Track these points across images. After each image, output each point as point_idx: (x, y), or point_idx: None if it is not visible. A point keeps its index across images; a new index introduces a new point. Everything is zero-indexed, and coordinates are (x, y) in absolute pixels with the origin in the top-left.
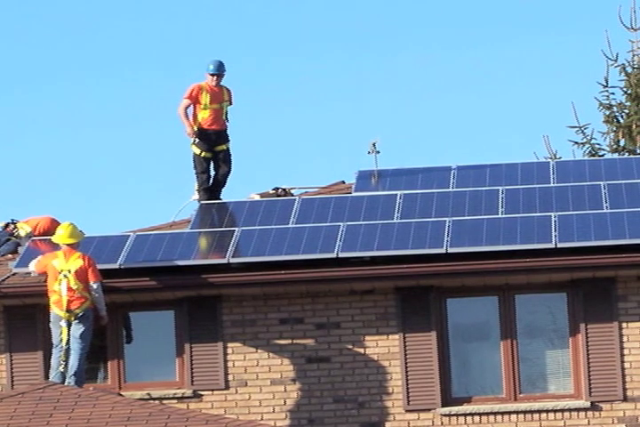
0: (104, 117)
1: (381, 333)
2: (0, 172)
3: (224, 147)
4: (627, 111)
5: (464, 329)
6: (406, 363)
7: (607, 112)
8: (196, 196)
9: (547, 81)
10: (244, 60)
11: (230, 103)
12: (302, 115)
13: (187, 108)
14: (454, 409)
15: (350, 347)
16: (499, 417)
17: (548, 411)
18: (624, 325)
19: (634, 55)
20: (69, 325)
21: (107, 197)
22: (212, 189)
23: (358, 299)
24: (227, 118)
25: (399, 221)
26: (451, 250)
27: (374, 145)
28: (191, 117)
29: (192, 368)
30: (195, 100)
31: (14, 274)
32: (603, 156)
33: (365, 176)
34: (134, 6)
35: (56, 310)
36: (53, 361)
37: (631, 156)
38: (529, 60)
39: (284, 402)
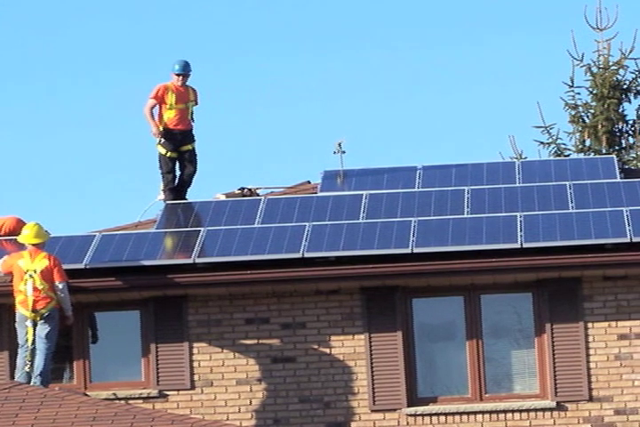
0: (69, 117)
1: (347, 333)
2: None
3: (190, 147)
4: (592, 111)
5: (430, 329)
6: (372, 363)
7: (573, 112)
8: (162, 196)
9: (512, 81)
10: (209, 59)
11: (196, 103)
12: (268, 115)
13: (152, 108)
14: (420, 409)
15: (316, 347)
16: (464, 417)
17: (513, 411)
18: (590, 325)
19: (599, 55)
20: (35, 325)
21: (72, 197)
22: (177, 189)
23: (324, 299)
24: (192, 118)
25: (365, 221)
26: (416, 250)
27: (340, 145)
28: (157, 117)
29: (158, 368)
30: (160, 100)
31: None
32: (568, 156)
33: (331, 176)
34: (99, 6)
35: (22, 310)
36: (19, 361)
37: (597, 156)
38: (495, 60)
39: (250, 402)
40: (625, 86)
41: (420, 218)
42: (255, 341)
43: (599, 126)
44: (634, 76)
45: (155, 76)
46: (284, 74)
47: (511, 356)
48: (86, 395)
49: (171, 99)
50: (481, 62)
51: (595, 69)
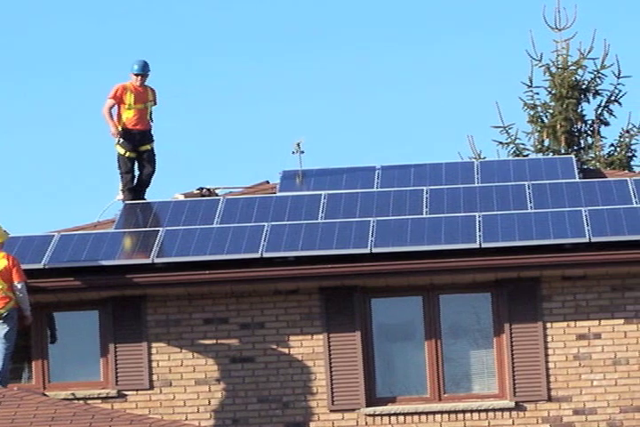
0: (28, 117)
1: (306, 333)
2: None
3: (148, 147)
4: (551, 111)
5: (388, 329)
6: (330, 363)
7: (531, 112)
8: (121, 196)
9: (471, 81)
10: (168, 59)
11: (155, 103)
12: (226, 115)
13: (111, 108)
14: (378, 409)
15: (275, 347)
16: (423, 417)
17: (472, 411)
18: (548, 325)
19: (558, 55)
20: None
21: (31, 197)
22: (136, 189)
23: (282, 299)
24: (151, 118)
25: (323, 221)
26: (375, 250)
27: (298, 145)
28: (115, 117)
29: (116, 368)
30: (119, 100)
31: None
32: (527, 156)
33: (290, 176)
34: (58, 5)
35: None
36: None
37: (556, 156)
38: (453, 60)
39: (209, 402)
40: (584, 86)
41: (378, 218)
42: (214, 341)
43: (558, 126)
44: (592, 76)
45: (113, 76)
46: (243, 74)
47: (470, 356)
48: (45, 395)
49: (129, 99)
50: (439, 62)
51: (553, 69)
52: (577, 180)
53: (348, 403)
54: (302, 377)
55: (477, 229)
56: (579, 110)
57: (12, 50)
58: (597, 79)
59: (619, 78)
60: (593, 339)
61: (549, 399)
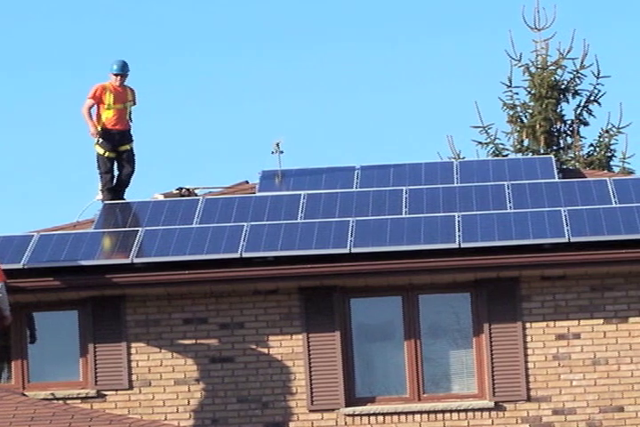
0: (7, 117)
1: (285, 333)
2: None
3: (128, 147)
4: (530, 111)
5: (368, 329)
6: (310, 363)
7: (511, 112)
8: (100, 196)
9: (450, 81)
10: (147, 59)
11: (134, 103)
12: (206, 115)
13: (90, 108)
14: (358, 409)
15: (254, 347)
16: (402, 417)
17: (451, 411)
18: (528, 325)
19: (537, 55)
20: None
21: (10, 196)
22: (115, 189)
23: (262, 299)
24: (130, 118)
25: (303, 221)
26: (354, 250)
27: (278, 145)
28: (95, 117)
29: (96, 368)
30: (98, 100)
31: None
32: (506, 156)
33: (269, 176)
34: (36, 5)
35: None
36: None
37: (535, 156)
38: (433, 60)
39: (188, 402)
40: (563, 86)
41: (358, 218)
42: (193, 341)
43: (537, 126)
44: (572, 76)
45: (93, 75)
46: (222, 74)
47: (449, 356)
48: (24, 395)
49: (109, 99)
50: (419, 62)
51: (533, 69)
52: (556, 180)
53: (328, 403)
54: (282, 377)
55: (457, 229)
56: (558, 110)
57: None
58: (577, 79)
59: (598, 78)
60: (572, 339)
61: (529, 399)
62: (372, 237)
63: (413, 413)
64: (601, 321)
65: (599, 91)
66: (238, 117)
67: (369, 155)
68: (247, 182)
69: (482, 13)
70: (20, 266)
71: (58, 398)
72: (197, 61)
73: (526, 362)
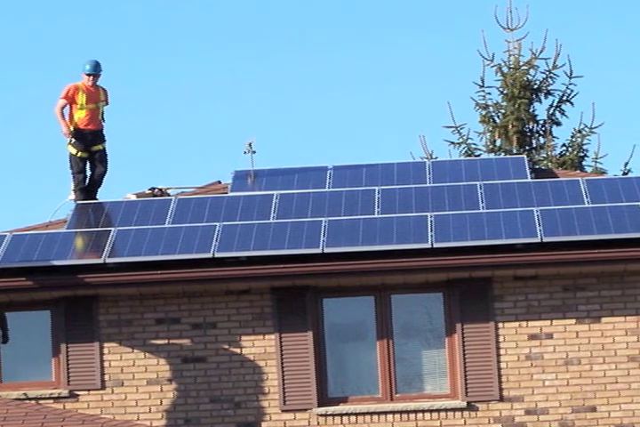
0: None
1: (258, 333)
2: None
3: (100, 147)
4: (503, 111)
5: (340, 329)
6: (282, 363)
7: (483, 112)
8: (73, 196)
9: (423, 81)
10: (120, 59)
11: (107, 103)
12: (178, 115)
13: (63, 108)
14: (330, 409)
15: (226, 347)
16: (375, 417)
17: (424, 411)
18: (500, 325)
19: (510, 55)
20: None
21: None
22: (88, 189)
23: (234, 299)
24: (103, 118)
25: (275, 221)
26: (327, 250)
27: (250, 145)
28: (67, 117)
29: (68, 368)
30: (71, 100)
31: None
32: (479, 156)
33: (241, 176)
34: (7, 5)
35: None
36: None
37: (507, 156)
38: (405, 60)
39: (161, 402)
40: (535, 86)
41: (330, 218)
42: (166, 341)
43: (510, 126)
44: (544, 76)
45: (66, 75)
46: (194, 73)
47: (422, 356)
48: None
49: (81, 99)
50: (391, 62)
51: (505, 69)
52: (529, 180)
53: (300, 403)
54: (254, 377)
55: (429, 229)
56: (530, 110)
57: None
58: (549, 79)
59: (570, 78)
60: (545, 339)
61: (501, 399)
62: (344, 237)
63: (386, 413)
64: (573, 321)
65: (572, 91)
66: (211, 117)
67: (341, 155)
68: (220, 182)
69: (454, 13)
70: None
71: (30, 399)
72: (170, 61)
73: (499, 362)
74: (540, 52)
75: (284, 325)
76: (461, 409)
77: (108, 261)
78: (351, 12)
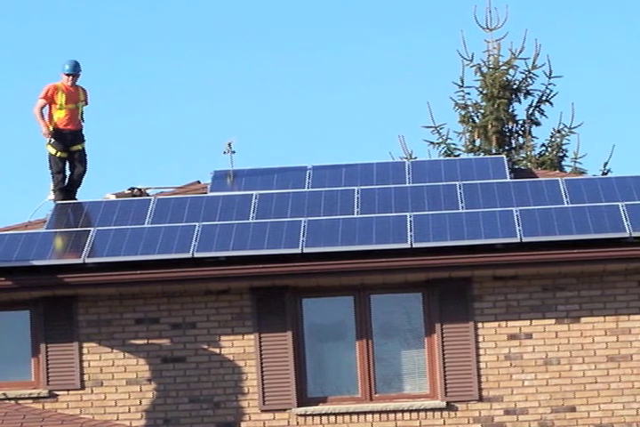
0: None
1: (237, 333)
2: None
3: (79, 147)
4: (482, 111)
5: (320, 329)
6: (262, 363)
7: (463, 112)
8: (52, 196)
9: (402, 81)
10: (99, 59)
11: (86, 103)
12: (157, 115)
13: (42, 108)
14: (310, 409)
15: (206, 347)
16: (354, 417)
17: (403, 411)
18: (479, 325)
19: (489, 55)
20: None
21: None
22: (67, 188)
23: (214, 299)
24: (82, 118)
25: (255, 221)
26: (306, 250)
27: (230, 145)
28: (47, 117)
29: (48, 368)
30: (50, 100)
31: None
32: (458, 156)
33: (221, 176)
34: None
35: None
36: None
37: (487, 156)
38: (384, 60)
39: (140, 402)
40: (515, 86)
41: (309, 218)
42: (145, 341)
43: (489, 126)
44: (524, 76)
45: (45, 76)
46: (174, 73)
47: (401, 356)
48: None
49: (61, 99)
50: (371, 62)
51: (485, 69)
52: (508, 180)
53: (280, 403)
54: (233, 377)
55: (408, 229)
56: (510, 110)
57: None
58: (529, 79)
59: (550, 78)
60: (524, 339)
61: (480, 399)
62: (323, 237)
63: (365, 413)
64: (553, 321)
65: (551, 91)
66: (190, 117)
67: (321, 155)
68: (199, 182)
69: (434, 13)
70: None
71: (9, 398)
72: (149, 61)
73: (478, 362)
74: (520, 52)
75: (264, 325)
76: (441, 409)
77: (88, 261)
78: (331, 12)
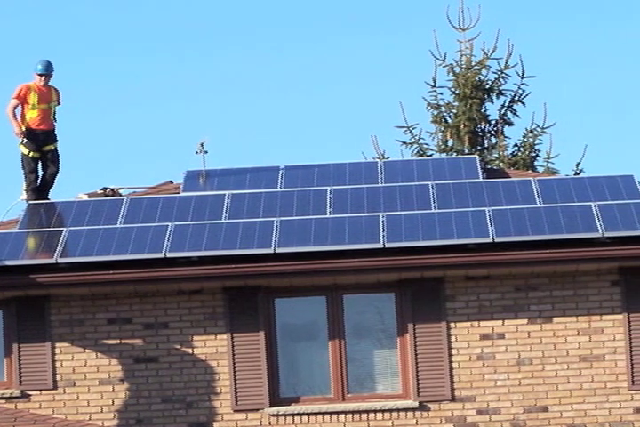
0: None
1: (209, 333)
2: None
3: (52, 147)
4: (455, 111)
5: (292, 329)
6: (234, 363)
7: (435, 112)
8: (25, 196)
9: (375, 81)
10: (71, 59)
11: (58, 103)
12: (130, 115)
13: (15, 108)
14: (282, 409)
15: (178, 347)
16: (327, 417)
17: (376, 411)
18: (452, 325)
19: (462, 55)
20: None
21: None
22: (40, 189)
23: (186, 299)
24: (55, 118)
25: (227, 221)
26: (279, 250)
27: (202, 145)
28: (19, 117)
29: (20, 368)
30: (23, 100)
31: None
32: (431, 156)
33: (193, 176)
34: None
35: None
36: None
37: (459, 156)
38: (357, 60)
39: (113, 402)
40: (487, 86)
41: (282, 218)
42: (117, 341)
43: (461, 126)
44: (496, 76)
45: (17, 76)
46: (146, 73)
47: (374, 356)
48: None
49: (33, 99)
50: (343, 61)
51: (457, 69)
52: (480, 180)
53: (252, 403)
54: (206, 377)
55: (381, 229)
56: (482, 110)
57: None
58: (501, 79)
59: (522, 78)
60: (497, 339)
61: (453, 399)
62: (296, 237)
63: (337, 413)
64: (525, 321)
65: (523, 91)
66: (163, 117)
67: (293, 155)
68: (171, 182)
69: (406, 13)
70: None
71: None
72: (120, 61)
73: (451, 362)
74: (492, 52)
75: (236, 325)
76: (413, 409)
77: (60, 261)
78: (302, 11)
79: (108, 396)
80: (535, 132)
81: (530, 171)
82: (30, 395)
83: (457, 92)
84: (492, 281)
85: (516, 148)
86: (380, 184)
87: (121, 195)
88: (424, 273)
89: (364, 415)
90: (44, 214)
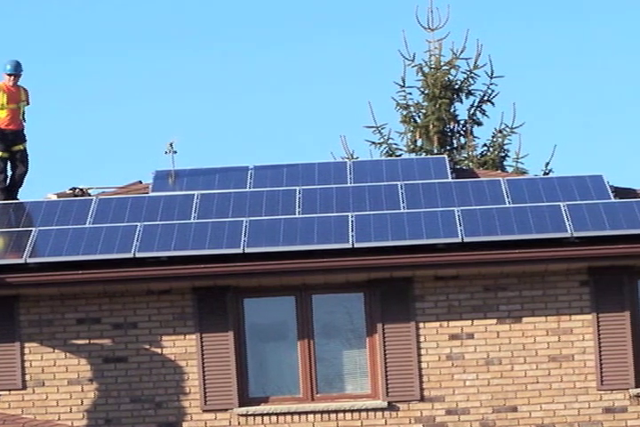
0: None
1: (178, 333)
2: None
3: (21, 147)
4: (424, 111)
5: (261, 329)
6: (203, 363)
7: (404, 112)
8: None
9: (343, 80)
10: (40, 59)
11: (27, 103)
12: (99, 114)
13: None
14: (251, 409)
15: (147, 347)
16: (296, 417)
17: (345, 411)
18: (421, 325)
19: (431, 55)
20: None
21: None
22: (9, 189)
23: (155, 299)
24: (24, 118)
25: (196, 221)
26: (248, 250)
27: (171, 145)
28: None
29: None
30: None
31: None
32: (400, 156)
33: (162, 176)
34: None
35: None
36: None
37: (428, 156)
38: (325, 60)
39: (81, 402)
40: (456, 86)
41: (251, 218)
42: (86, 341)
43: (431, 126)
44: (465, 76)
45: None
46: (114, 73)
47: (343, 356)
48: None
49: (2, 99)
50: (311, 61)
51: (426, 69)
52: (450, 180)
53: (221, 403)
54: (175, 377)
55: (350, 229)
56: (451, 110)
57: None
58: (470, 79)
59: (491, 78)
60: (466, 339)
61: (422, 399)
62: (265, 237)
63: (307, 413)
64: (494, 321)
65: (492, 91)
66: (131, 117)
67: (262, 155)
68: (141, 182)
69: (375, 13)
70: None
71: None
72: (91, 60)
73: (420, 362)
74: (461, 53)
75: (205, 325)
76: (382, 409)
77: (29, 261)
78: (271, 10)
79: (77, 396)
80: (504, 132)
81: (499, 171)
82: None
83: (426, 92)
84: (462, 281)
85: (485, 148)
86: (349, 184)
87: (90, 195)
88: (393, 273)
89: (333, 415)
90: (13, 214)
